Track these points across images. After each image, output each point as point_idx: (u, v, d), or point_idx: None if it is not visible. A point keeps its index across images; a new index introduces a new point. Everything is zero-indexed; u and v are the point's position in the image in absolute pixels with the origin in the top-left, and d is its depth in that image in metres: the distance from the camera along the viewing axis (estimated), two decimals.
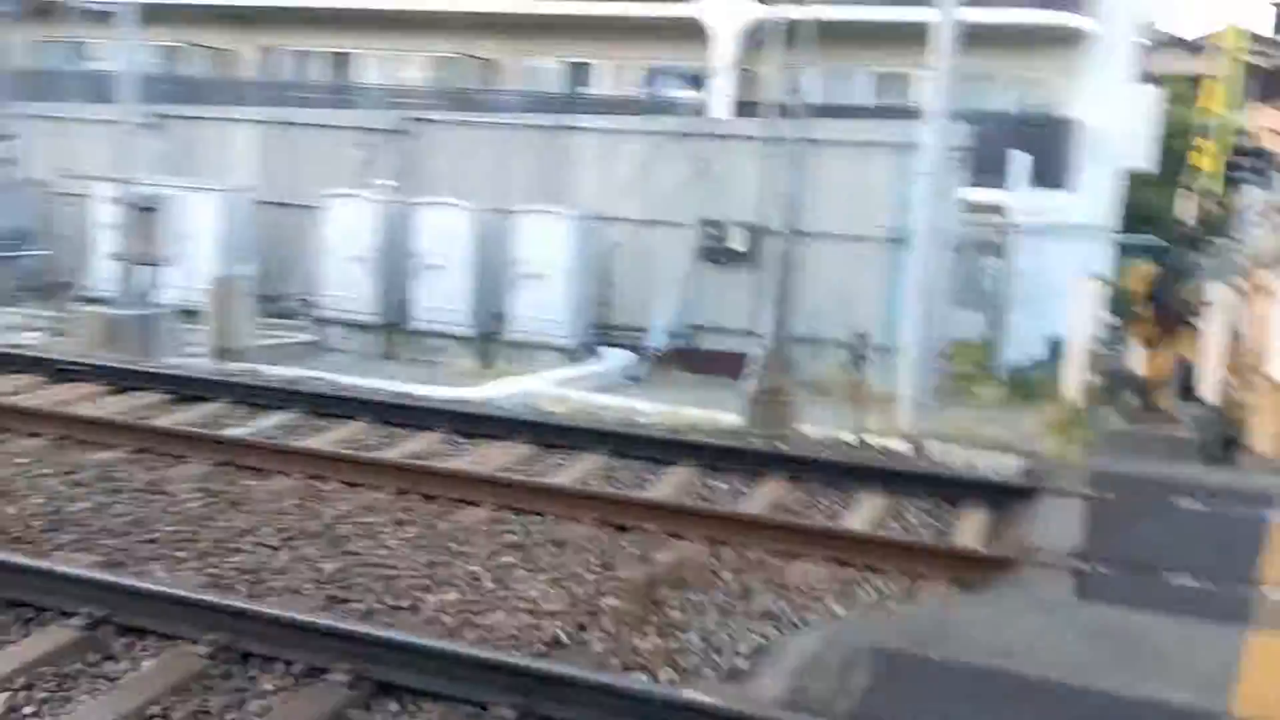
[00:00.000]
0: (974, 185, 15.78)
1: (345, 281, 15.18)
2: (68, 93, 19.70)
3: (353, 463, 6.79)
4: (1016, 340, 15.97)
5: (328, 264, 15.39)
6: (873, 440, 8.57)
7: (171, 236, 12.46)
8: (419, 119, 17.19)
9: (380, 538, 5.63)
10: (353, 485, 6.54)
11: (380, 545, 5.52)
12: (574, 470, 7.18)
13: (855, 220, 14.68)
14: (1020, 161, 19.22)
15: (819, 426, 9.09)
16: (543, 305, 14.67)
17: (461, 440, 7.89)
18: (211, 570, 5.02)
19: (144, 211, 11.64)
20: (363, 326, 15.25)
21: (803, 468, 7.33)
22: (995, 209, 18.13)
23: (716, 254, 15.65)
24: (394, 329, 15.23)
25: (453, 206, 15.02)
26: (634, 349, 15.19)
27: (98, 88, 23.51)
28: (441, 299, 14.94)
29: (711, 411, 10.07)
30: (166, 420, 7.86)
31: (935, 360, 11.56)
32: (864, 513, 6.57)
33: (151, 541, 5.32)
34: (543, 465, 7.35)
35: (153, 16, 23.81)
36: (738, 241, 15.44)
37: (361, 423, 8.14)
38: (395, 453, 7.33)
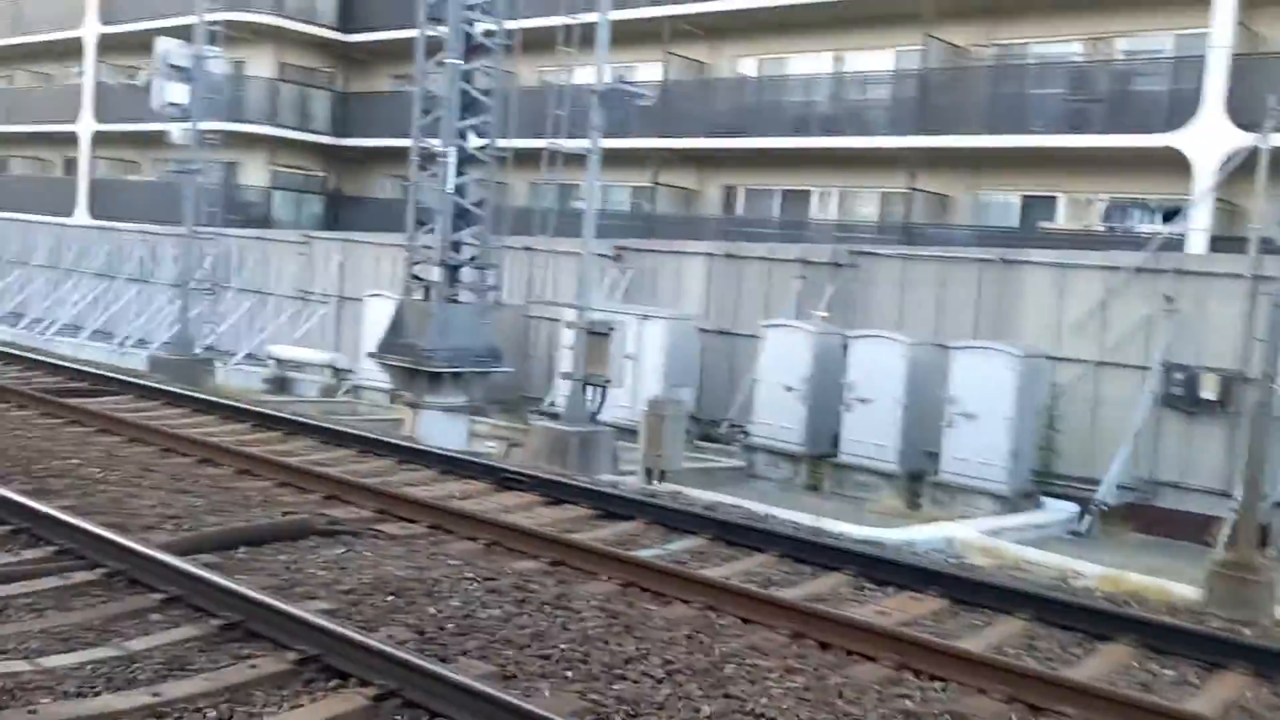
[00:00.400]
0: None
1: (776, 410, 15.35)
2: (550, 228, 21.95)
3: (751, 598, 6.62)
4: None
5: (761, 391, 15.67)
6: None
7: (620, 359, 13.24)
8: (860, 252, 17.25)
9: (765, 683, 5.37)
10: (747, 621, 6.36)
11: (764, 692, 5.25)
12: (989, 634, 6.52)
13: None
14: None
15: None
16: (978, 447, 13.89)
17: (870, 586, 7.47)
18: (594, 696, 5.01)
19: (596, 335, 12.49)
20: (790, 456, 15.28)
21: (1273, 663, 6.15)
22: None
23: (1182, 402, 14.08)
24: (820, 460, 15.11)
25: (887, 340, 14.78)
26: (1078, 501, 13.92)
27: (576, 223, 26.00)
28: (870, 433, 14.65)
29: (1163, 581, 8.88)
30: (586, 535, 8.16)
31: None
32: None
33: (545, 658, 5.43)
34: (955, 624, 6.75)
35: (627, 159, 26.17)
36: (1209, 389, 13.79)
37: (770, 555, 7.98)
38: (796, 592, 7.07)
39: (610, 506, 9.10)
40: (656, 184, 28.24)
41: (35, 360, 15.61)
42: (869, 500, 13.94)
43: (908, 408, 14.53)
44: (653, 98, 26.89)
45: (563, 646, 5.61)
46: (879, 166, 24.50)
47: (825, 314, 15.92)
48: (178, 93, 17.71)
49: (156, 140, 27.18)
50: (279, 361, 22.20)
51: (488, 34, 13.80)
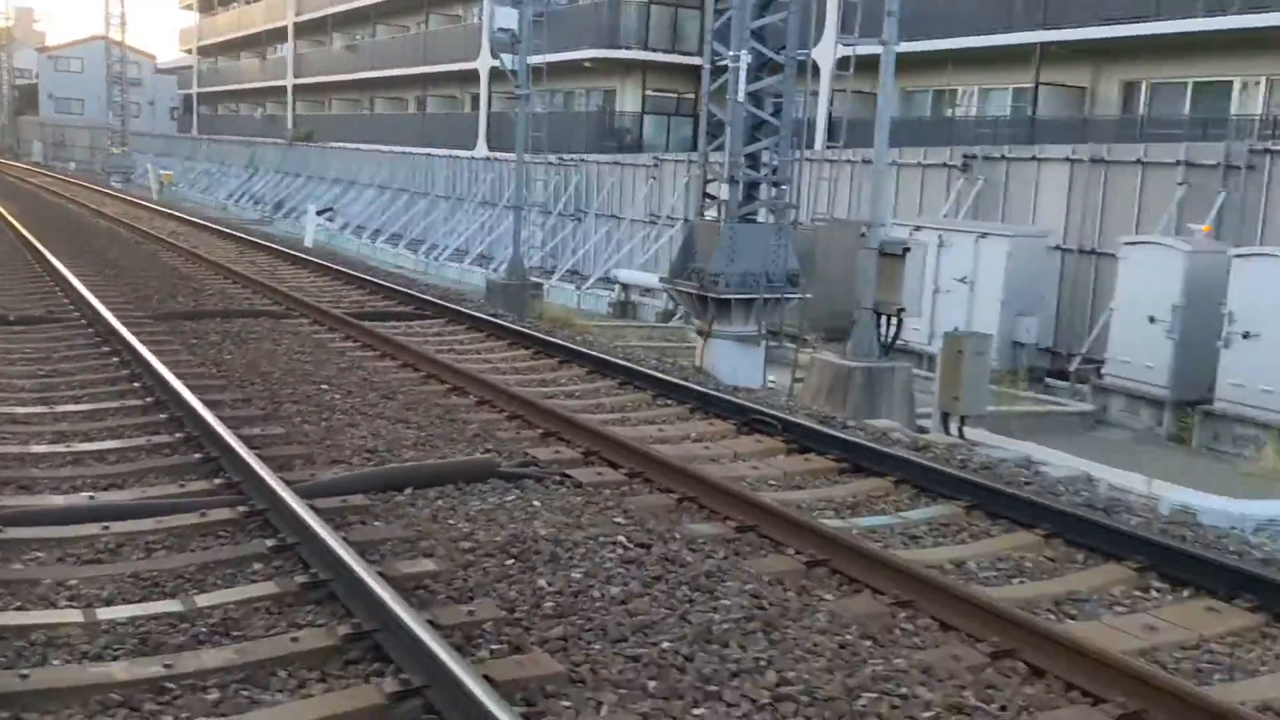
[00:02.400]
0: None
1: (1136, 345, 12.90)
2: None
3: (949, 595, 5.13)
4: None
5: (1118, 323, 13.23)
6: None
7: (933, 284, 11.55)
8: (1263, 150, 14.01)
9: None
10: (946, 628, 4.92)
11: None
12: None
13: None
14: None
15: None
16: None
17: (1159, 587, 5.67)
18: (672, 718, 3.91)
19: (888, 257, 10.90)
20: (1151, 401, 12.79)
21: None
22: None
23: None
24: (1190, 407, 12.51)
25: None
26: None
27: (938, 133, 23.77)
28: (1256, 376, 11.88)
29: None
30: (802, 495, 6.94)
31: None
32: None
33: (634, 659, 4.38)
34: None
35: (1008, 57, 23.38)
36: None
37: (1036, 534, 6.33)
38: (1029, 590, 5.46)
39: (862, 459, 7.73)
40: (1039, 83, 25.13)
41: (381, 285, 16.32)
42: (1245, 459, 11.31)
43: None
44: None
45: (665, 644, 4.52)
46: None
47: (1207, 228, 13.08)
48: (507, 18, 17.71)
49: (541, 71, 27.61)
50: (623, 286, 22.17)
51: None
